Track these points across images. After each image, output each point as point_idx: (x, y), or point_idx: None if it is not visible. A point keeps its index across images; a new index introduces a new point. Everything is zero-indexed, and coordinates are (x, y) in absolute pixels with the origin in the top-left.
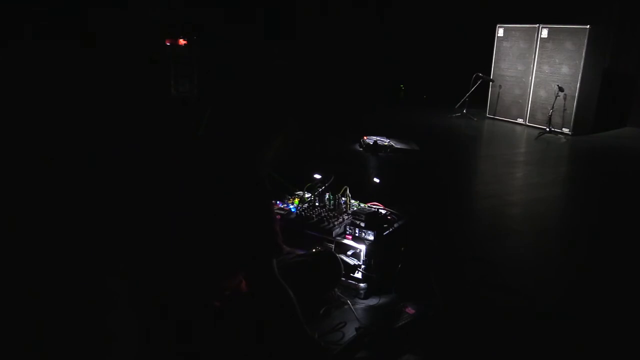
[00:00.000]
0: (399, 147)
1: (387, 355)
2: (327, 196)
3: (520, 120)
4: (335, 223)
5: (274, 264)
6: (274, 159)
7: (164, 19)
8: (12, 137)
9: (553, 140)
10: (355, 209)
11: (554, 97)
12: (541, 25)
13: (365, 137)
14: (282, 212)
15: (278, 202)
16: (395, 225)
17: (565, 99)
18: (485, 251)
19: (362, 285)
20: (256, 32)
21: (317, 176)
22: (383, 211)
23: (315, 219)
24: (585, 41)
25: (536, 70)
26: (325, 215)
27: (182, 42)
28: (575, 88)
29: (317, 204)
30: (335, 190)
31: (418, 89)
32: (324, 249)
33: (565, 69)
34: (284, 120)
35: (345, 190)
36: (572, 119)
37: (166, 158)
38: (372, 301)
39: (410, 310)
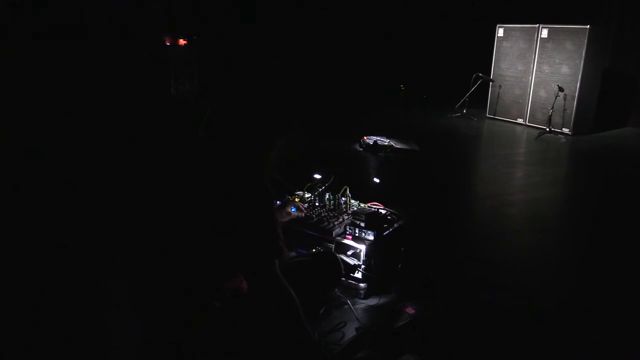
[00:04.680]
0: (399, 147)
1: (387, 355)
2: (327, 196)
3: (520, 120)
4: (335, 223)
5: (275, 265)
6: (277, 160)
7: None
8: (11, 137)
9: (553, 140)
10: (355, 209)
11: (554, 97)
12: (541, 25)
13: (365, 137)
14: None
15: (278, 202)
16: (395, 225)
17: (565, 99)
18: (485, 251)
19: (362, 285)
20: (255, 32)
21: (317, 176)
22: (383, 211)
23: (315, 219)
24: (585, 41)
25: (536, 70)
26: (325, 215)
27: (182, 42)
28: (575, 88)
29: (317, 204)
30: (335, 190)
31: (418, 89)
32: (324, 249)
33: (565, 69)
34: (290, 122)
35: (345, 190)
36: (572, 119)
37: (167, 158)
38: (372, 301)
39: (410, 310)
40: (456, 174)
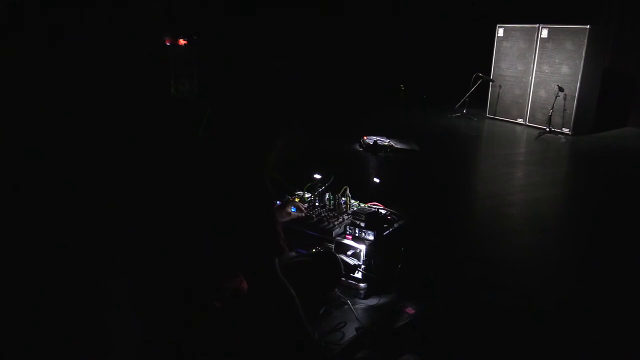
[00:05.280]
0: (399, 147)
1: (387, 355)
2: (327, 196)
3: (520, 120)
4: (335, 223)
5: (276, 264)
6: (277, 160)
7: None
8: (11, 137)
9: (553, 140)
10: (355, 209)
11: (554, 97)
12: (541, 25)
13: (365, 137)
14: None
15: (278, 202)
16: (395, 225)
17: (565, 99)
18: (485, 251)
19: (362, 285)
20: (255, 32)
21: (317, 176)
22: (383, 211)
23: (315, 219)
24: (585, 41)
25: (536, 70)
26: (325, 215)
27: (182, 42)
28: (575, 88)
29: (317, 204)
30: (335, 190)
31: (418, 89)
32: (324, 249)
33: (565, 69)
34: (290, 122)
35: (345, 190)
36: (572, 119)
37: (168, 158)
38: (372, 301)
39: (410, 310)
40: (456, 174)
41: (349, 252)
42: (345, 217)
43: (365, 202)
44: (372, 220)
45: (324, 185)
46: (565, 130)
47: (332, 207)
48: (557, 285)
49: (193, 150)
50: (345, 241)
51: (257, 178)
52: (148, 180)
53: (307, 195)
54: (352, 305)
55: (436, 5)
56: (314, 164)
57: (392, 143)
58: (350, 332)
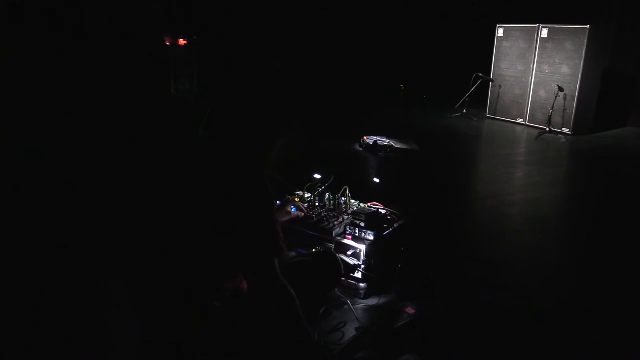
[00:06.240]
0: (399, 147)
1: (387, 355)
2: (327, 196)
3: (520, 120)
4: (335, 223)
5: (275, 264)
6: (277, 160)
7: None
8: (11, 137)
9: (553, 140)
10: (355, 209)
11: (554, 97)
12: (541, 25)
13: (365, 137)
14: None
15: (278, 202)
16: (395, 225)
17: (565, 99)
18: (485, 251)
19: (362, 285)
20: (255, 32)
21: (317, 176)
22: (383, 211)
23: (315, 219)
24: (585, 41)
25: (536, 70)
26: (325, 215)
27: (182, 42)
28: (575, 88)
29: (317, 204)
30: (335, 190)
31: (418, 89)
32: (324, 249)
33: (565, 69)
34: (290, 122)
35: (345, 190)
36: (572, 119)
37: (167, 158)
38: (372, 301)
39: (410, 310)
40: (456, 174)
41: (349, 252)
42: (345, 217)
43: (365, 202)
44: (372, 220)
45: (324, 185)
46: (565, 130)
47: (332, 207)
48: (557, 285)
49: (193, 150)
50: (345, 241)
51: (257, 178)
52: (148, 181)
53: (307, 195)
54: (352, 305)
55: (436, 5)
56: (314, 164)
57: (392, 143)
58: (350, 332)
